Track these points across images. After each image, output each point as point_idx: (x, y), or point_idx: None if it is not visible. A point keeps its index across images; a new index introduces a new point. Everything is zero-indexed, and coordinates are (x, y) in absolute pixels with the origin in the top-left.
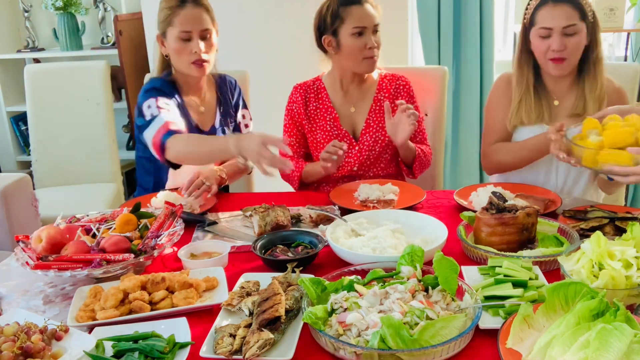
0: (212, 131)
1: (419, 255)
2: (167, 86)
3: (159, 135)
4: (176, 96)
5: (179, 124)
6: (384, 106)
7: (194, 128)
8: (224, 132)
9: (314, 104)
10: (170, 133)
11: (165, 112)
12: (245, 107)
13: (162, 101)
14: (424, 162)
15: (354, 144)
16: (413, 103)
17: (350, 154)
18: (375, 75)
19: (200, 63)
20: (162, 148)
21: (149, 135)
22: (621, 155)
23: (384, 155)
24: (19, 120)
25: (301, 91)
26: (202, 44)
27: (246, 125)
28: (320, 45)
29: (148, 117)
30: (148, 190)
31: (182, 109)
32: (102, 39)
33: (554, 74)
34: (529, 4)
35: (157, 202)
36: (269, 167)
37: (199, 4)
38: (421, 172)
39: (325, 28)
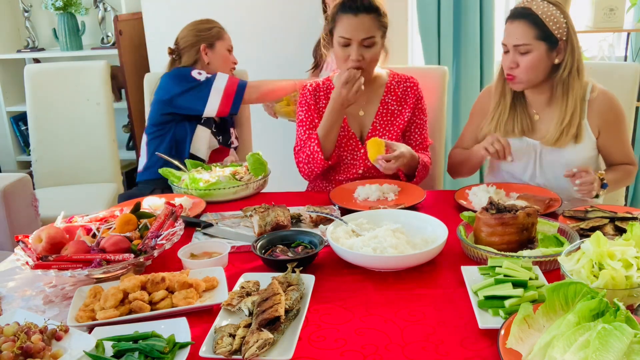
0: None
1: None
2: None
3: (233, 85)
4: None
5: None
6: (390, 110)
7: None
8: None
9: (324, 103)
10: (244, 82)
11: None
12: None
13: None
14: (423, 174)
15: (360, 146)
16: (421, 105)
17: (356, 157)
18: (385, 74)
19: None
20: (238, 94)
21: (218, 88)
22: None
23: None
24: (19, 120)
25: (310, 90)
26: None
27: None
28: None
29: (202, 79)
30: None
31: None
32: (102, 39)
33: (513, 89)
34: None
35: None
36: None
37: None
38: (420, 182)
39: (328, 24)
